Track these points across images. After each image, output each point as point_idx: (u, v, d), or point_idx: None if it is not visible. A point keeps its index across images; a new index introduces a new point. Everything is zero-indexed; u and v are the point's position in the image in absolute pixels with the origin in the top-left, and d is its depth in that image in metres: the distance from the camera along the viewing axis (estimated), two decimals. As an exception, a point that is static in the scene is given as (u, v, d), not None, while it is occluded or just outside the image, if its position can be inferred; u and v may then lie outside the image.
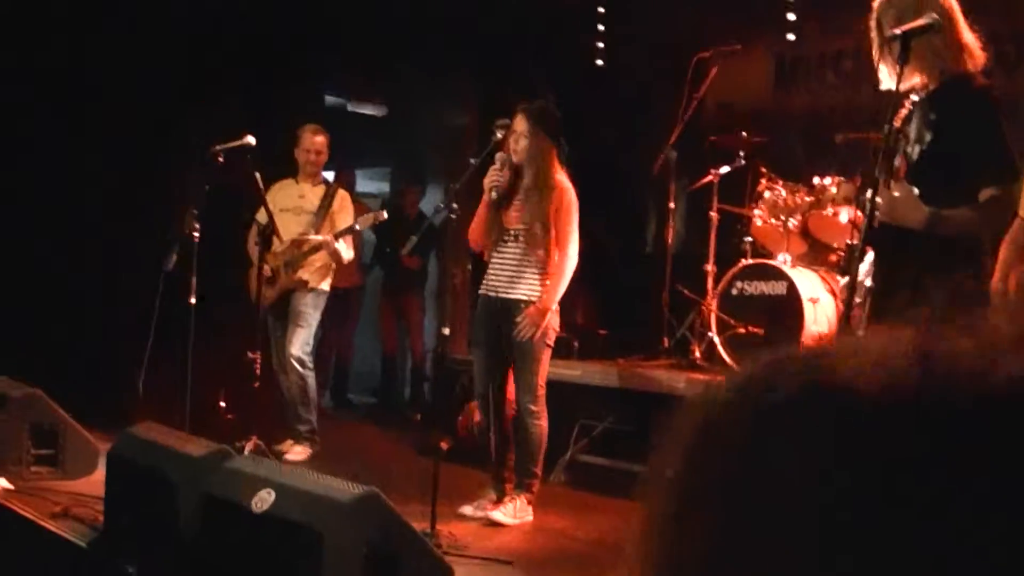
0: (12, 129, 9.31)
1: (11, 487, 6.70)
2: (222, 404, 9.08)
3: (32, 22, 9.50)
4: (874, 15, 4.56)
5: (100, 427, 7.93)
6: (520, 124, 6.87)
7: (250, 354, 7.78)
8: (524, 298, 6.86)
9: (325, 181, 8.97)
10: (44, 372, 7.64)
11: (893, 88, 4.31)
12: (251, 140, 7.76)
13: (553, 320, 6.91)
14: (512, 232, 6.92)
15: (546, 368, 6.98)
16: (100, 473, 6.21)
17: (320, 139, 8.90)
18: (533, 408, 6.90)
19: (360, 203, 12.38)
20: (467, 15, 11.27)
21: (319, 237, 8.51)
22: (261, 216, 8.44)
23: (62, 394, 7.40)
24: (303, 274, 8.59)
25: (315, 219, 8.66)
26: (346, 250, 8.69)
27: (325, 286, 8.78)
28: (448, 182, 12.12)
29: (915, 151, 4.49)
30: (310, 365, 8.69)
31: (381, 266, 12.25)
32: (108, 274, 8.66)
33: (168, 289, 7.56)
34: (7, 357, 7.72)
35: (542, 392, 6.93)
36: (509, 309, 6.88)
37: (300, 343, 8.57)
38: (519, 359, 6.92)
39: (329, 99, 12.04)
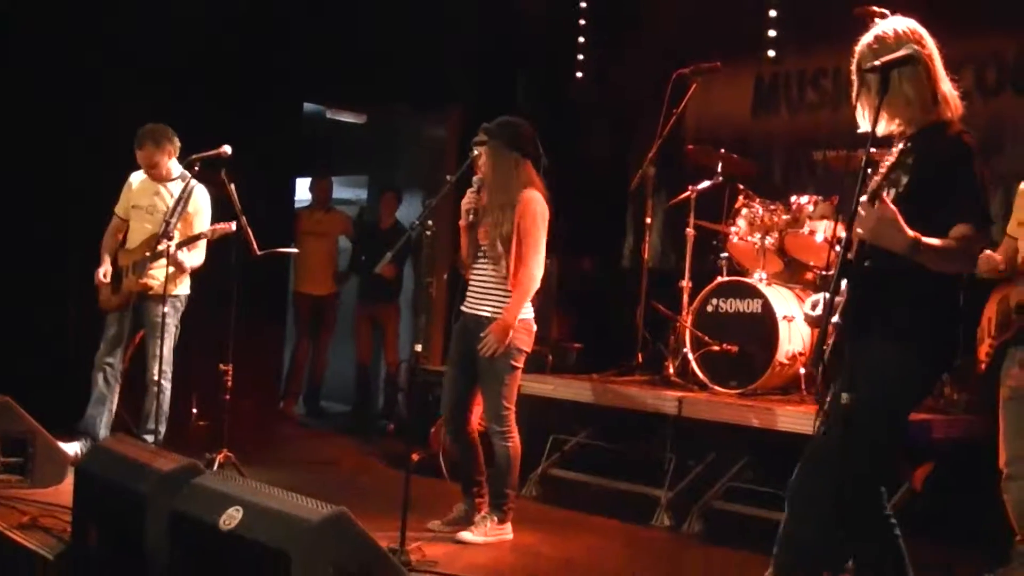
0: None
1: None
2: (194, 411, 9.06)
3: (15, 23, 9.46)
4: (855, 60, 4.56)
5: (70, 436, 7.90)
6: (482, 141, 6.87)
7: (221, 366, 7.74)
8: (489, 314, 6.82)
9: (183, 176, 8.24)
10: (13, 380, 7.60)
11: (870, 130, 4.30)
12: (227, 150, 7.72)
13: (522, 339, 6.85)
14: (482, 249, 6.90)
15: (513, 390, 6.92)
16: (69, 482, 6.17)
17: (149, 148, 8.21)
18: (499, 429, 6.86)
19: (336, 211, 12.41)
20: (448, 26, 11.26)
21: (164, 245, 7.89)
22: (120, 210, 8.38)
23: (32, 402, 7.36)
24: (152, 279, 8.13)
25: (168, 219, 8.00)
26: (191, 257, 8.17)
27: (181, 290, 8.24)
28: (426, 192, 12.14)
29: (891, 195, 4.50)
30: (169, 376, 8.12)
31: (357, 274, 12.21)
32: (79, 282, 8.59)
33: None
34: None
35: (507, 413, 6.87)
36: (477, 326, 6.86)
37: (165, 358, 8.00)
38: (484, 379, 6.89)
39: (307, 106, 12.01)
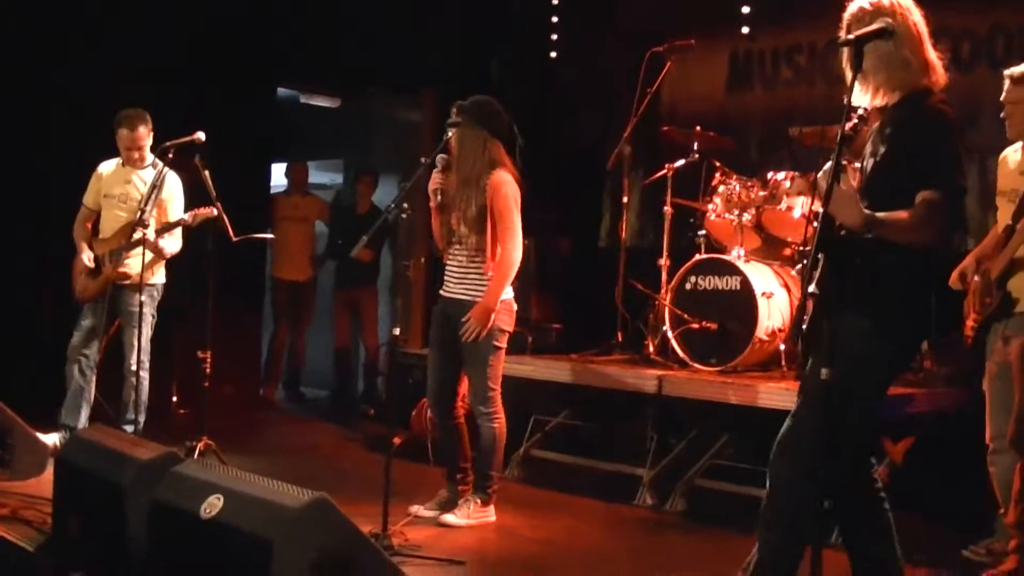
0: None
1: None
2: (174, 399, 9.03)
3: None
4: (844, 28, 4.55)
5: (50, 428, 7.87)
6: (456, 123, 6.83)
7: (200, 353, 7.70)
8: (469, 298, 6.81)
9: (154, 164, 8.16)
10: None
11: (848, 89, 4.30)
12: (201, 136, 7.67)
13: (504, 320, 6.84)
14: (457, 233, 6.88)
15: (498, 370, 6.91)
16: (49, 474, 6.13)
17: (142, 130, 8.15)
18: (484, 410, 6.85)
19: (312, 196, 12.37)
20: (422, 8, 11.22)
21: (139, 233, 7.88)
22: (90, 200, 8.30)
23: (11, 394, 7.31)
24: (128, 268, 8.05)
25: (143, 207, 7.93)
26: (169, 243, 8.13)
27: (157, 279, 8.22)
28: (402, 175, 12.11)
29: (869, 164, 4.50)
30: (147, 365, 8.08)
31: (334, 259, 12.17)
32: (57, 273, 8.54)
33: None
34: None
35: (493, 394, 6.87)
36: (457, 309, 6.85)
37: (143, 347, 7.98)
38: (468, 362, 6.89)
39: (281, 90, 11.96)
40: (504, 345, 6.91)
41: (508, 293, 6.88)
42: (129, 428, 7.81)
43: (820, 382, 4.08)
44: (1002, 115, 6.15)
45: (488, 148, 6.79)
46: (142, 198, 7.96)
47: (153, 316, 8.14)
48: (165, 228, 8.03)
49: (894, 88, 4.48)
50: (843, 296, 4.35)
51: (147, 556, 4.72)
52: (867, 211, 4.19)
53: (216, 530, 4.28)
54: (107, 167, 8.32)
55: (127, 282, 8.02)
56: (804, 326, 4.38)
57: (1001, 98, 6.14)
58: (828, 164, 4.25)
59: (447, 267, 7.00)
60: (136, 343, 7.92)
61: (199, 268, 7.94)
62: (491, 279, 6.75)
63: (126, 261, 8.03)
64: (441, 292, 7.02)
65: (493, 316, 6.74)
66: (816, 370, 4.23)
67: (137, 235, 7.84)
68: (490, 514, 6.92)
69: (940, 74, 4.51)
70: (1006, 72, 6.17)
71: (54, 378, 8.14)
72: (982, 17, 8.51)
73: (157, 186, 7.96)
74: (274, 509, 4.18)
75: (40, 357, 8.82)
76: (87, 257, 8.15)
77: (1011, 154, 6.28)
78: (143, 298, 7.85)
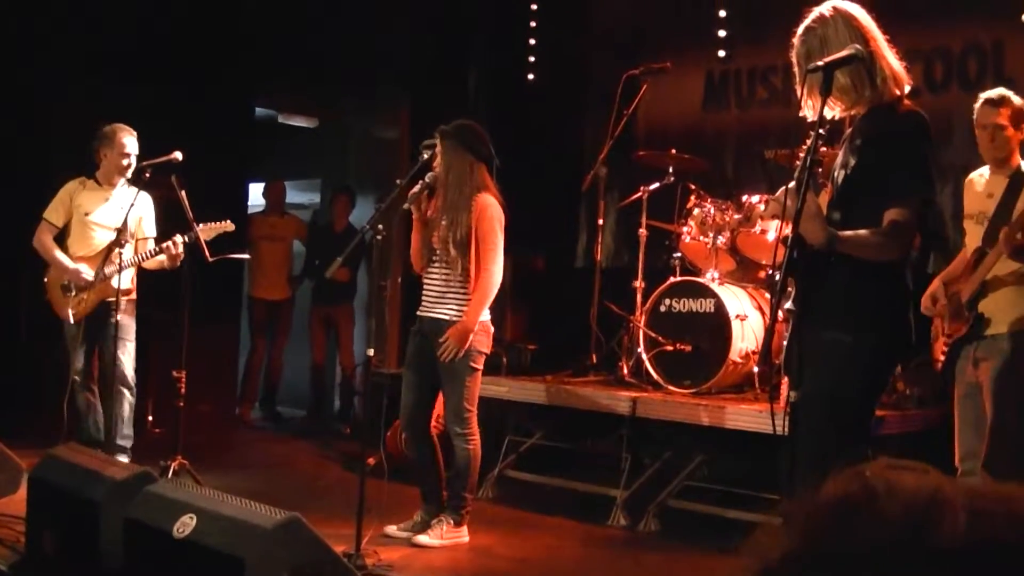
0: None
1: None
2: (149, 418, 9.03)
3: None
4: (795, 47, 4.59)
5: (24, 446, 7.85)
6: (438, 144, 6.88)
7: (175, 373, 7.71)
8: (447, 318, 6.85)
9: (126, 181, 8.16)
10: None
11: (813, 118, 4.34)
12: (178, 156, 7.70)
13: (481, 341, 6.88)
14: (438, 252, 6.92)
15: (474, 392, 6.95)
16: (24, 492, 6.13)
17: (134, 140, 8.18)
18: (460, 431, 6.88)
19: (290, 215, 12.39)
20: (399, 28, 11.26)
21: (153, 248, 8.01)
22: (58, 219, 8.18)
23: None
24: (109, 286, 7.96)
25: (126, 226, 7.88)
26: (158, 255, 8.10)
27: (134, 293, 8.23)
28: (379, 193, 12.12)
29: (840, 176, 4.54)
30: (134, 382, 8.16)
31: (311, 278, 12.18)
32: (31, 290, 8.52)
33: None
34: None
35: (469, 415, 6.90)
36: (435, 329, 6.88)
37: (132, 360, 8.07)
38: (445, 382, 6.92)
39: (259, 111, 11.98)
40: (480, 367, 6.95)
41: (486, 315, 6.92)
42: (127, 444, 7.83)
43: (812, 401, 4.11)
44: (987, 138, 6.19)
45: (475, 171, 6.87)
46: (123, 216, 7.92)
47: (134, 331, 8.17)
48: (193, 240, 7.94)
49: (858, 99, 4.51)
50: (824, 316, 4.38)
51: (120, 574, 4.73)
52: (830, 229, 4.22)
53: (189, 549, 4.31)
54: (81, 186, 8.23)
55: (110, 299, 7.97)
56: (786, 343, 4.40)
57: (978, 122, 6.19)
58: (791, 184, 4.30)
59: (425, 286, 7.04)
60: (126, 358, 7.96)
61: (175, 287, 7.94)
62: (471, 300, 6.79)
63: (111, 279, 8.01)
64: (419, 312, 7.06)
65: (471, 337, 6.77)
66: (807, 389, 4.26)
67: (128, 252, 7.82)
68: (463, 535, 6.94)
69: (903, 78, 4.53)
70: (983, 96, 6.24)
71: (26, 395, 8.12)
72: (954, 37, 8.57)
73: (135, 204, 7.94)
74: (246, 528, 4.20)
75: (12, 375, 8.81)
76: (83, 274, 8.07)
77: (976, 177, 6.35)
78: (130, 309, 7.96)
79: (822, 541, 0.87)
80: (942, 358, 6.25)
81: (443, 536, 6.82)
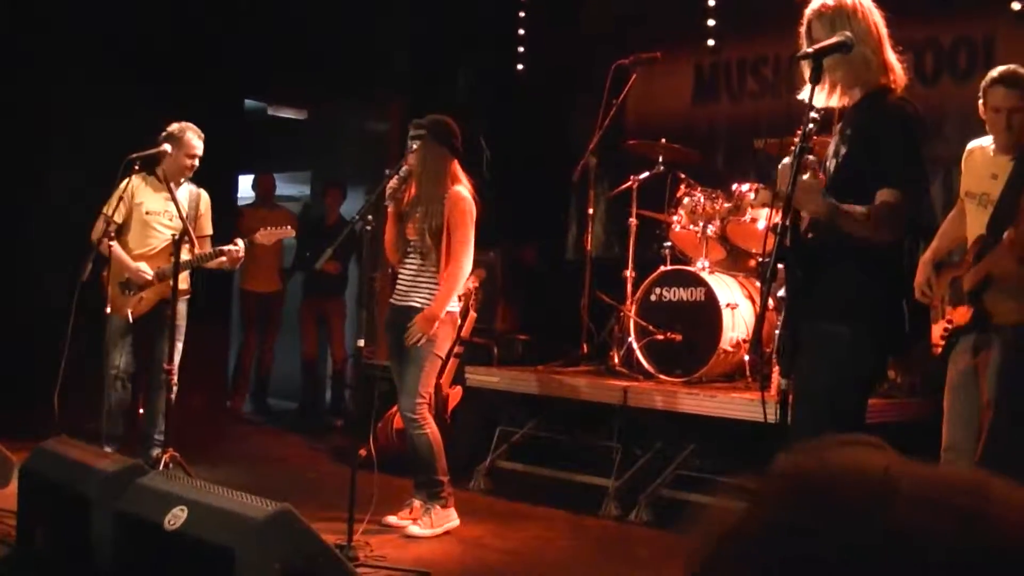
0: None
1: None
2: (140, 411, 9.00)
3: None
4: (804, 23, 4.59)
5: (14, 439, 7.83)
6: (418, 136, 6.95)
7: (165, 365, 7.69)
8: (417, 306, 6.94)
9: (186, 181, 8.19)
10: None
11: (808, 100, 4.33)
12: (168, 148, 7.68)
13: (445, 331, 6.97)
14: (412, 243, 7.02)
15: (430, 379, 7.01)
16: (15, 486, 6.12)
17: (201, 141, 8.14)
18: (411, 417, 6.94)
19: (280, 208, 12.38)
20: (388, 19, 11.24)
21: (214, 250, 8.00)
22: (118, 214, 8.04)
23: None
24: (181, 283, 7.91)
25: (184, 224, 7.79)
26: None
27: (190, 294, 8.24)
28: (370, 185, 12.11)
29: (832, 165, 4.54)
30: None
31: (302, 271, 12.18)
32: (21, 284, 8.51)
33: (83, 299, 7.45)
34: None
35: (421, 402, 6.93)
36: (403, 316, 6.97)
37: (178, 359, 7.97)
38: (405, 363, 6.99)
39: (249, 103, 11.96)
40: (442, 356, 7.08)
41: (454, 306, 7.04)
42: (161, 438, 7.78)
43: (805, 391, 4.12)
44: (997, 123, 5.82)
45: (449, 164, 6.97)
46: (184, 214, 7.84)
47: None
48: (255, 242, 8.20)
49: (852, 86, 4.52)
50: (817, 305, 4.38)
51: (112, 567, 4.72)
52: (830, 199, 4.22)
53: (180, 541, 4.30)
54: (143, 183, 8.10)
55: (174, 298, 7.90)
56: (777, 331, 4.40)
57: (989, 105, 5.83)
58: (786, 159, 4.30)
59: (400, 276, 7.15)
60: (171, 351, 7.87)
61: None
62: (439, 289, 6.88)
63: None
64: (391, 300, 7.14)
65: (436, 324, 6.84)
66: (801, 379, 4.26)
67: (185, 251, 7.76)
68: (452, 516, 6.99)
69: (900, 74, 4.54)
70: (993, 75, 5.84)
71: (20, 391, 8.10)
72: (946, 29, 8.57)
73: (195, 202, 8.09)
74: (237, 520, 4.20)
75: (7, 369, 8.80)
76: (146, 273, 8.02)
77: (978, 149, 6.04)
78: (183, 310, 7.99)
79: (775, 514, 0.88)
80: (942, 343, 6.17)
81: (433, 524, 6.86)
